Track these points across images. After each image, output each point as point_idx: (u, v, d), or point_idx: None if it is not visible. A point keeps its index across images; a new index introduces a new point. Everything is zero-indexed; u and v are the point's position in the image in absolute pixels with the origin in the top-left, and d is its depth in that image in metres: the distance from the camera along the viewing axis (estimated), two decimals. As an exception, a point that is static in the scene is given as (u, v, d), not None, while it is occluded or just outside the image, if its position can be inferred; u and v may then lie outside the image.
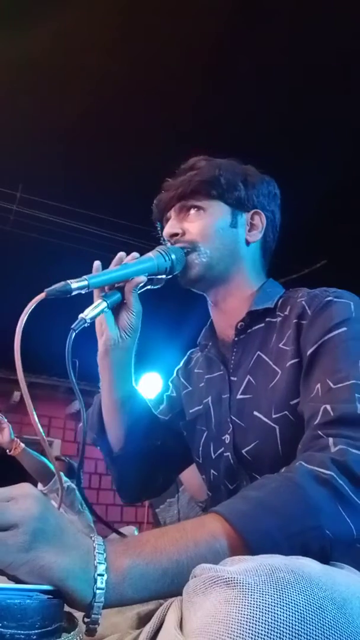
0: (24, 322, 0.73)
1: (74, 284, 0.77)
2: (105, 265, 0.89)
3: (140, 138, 4.18)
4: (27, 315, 0.73)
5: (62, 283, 0.76)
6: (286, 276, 4.90)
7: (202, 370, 1.05)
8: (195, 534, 0.57)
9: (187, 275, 0.94)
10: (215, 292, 0.99)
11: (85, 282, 0.78)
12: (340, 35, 3.49)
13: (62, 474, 2.69)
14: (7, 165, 4.20)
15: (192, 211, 0.97)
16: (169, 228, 0.97)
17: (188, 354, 1.16)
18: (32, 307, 0.73)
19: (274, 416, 0.83)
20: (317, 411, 0.71)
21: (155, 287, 0.93)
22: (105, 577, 0.51)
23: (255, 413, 0.86)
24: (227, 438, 0.91)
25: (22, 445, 2.49)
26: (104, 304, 0.84)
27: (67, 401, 6.72)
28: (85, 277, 0.80)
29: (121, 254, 0.91)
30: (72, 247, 4.86)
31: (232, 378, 0.94)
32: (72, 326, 0.78)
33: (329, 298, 0.85)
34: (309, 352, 0.80)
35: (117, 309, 0.90)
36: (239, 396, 0.91)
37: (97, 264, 0.87)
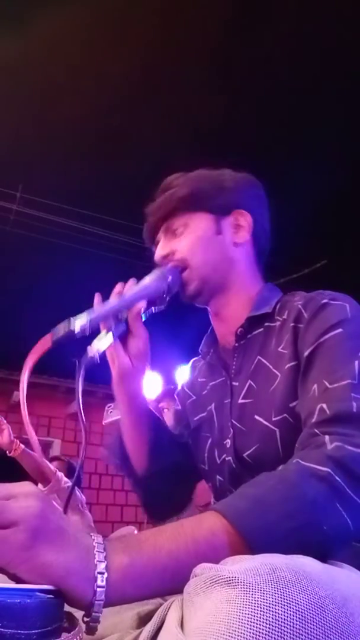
0: (30, 368, 0.77)
1: (77, 326, 0.79)
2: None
3: (140, 138, 4.18)
4: (33, 362, 0.77)
5: (67, 329, 0.79)
6: (286, 276, 4.91)
7: (205, 378, 1.06)
8: (194, 531, 0.57)
9: (186, 292, 0.96)
10: (215, 302, 0.99)
11: (86, 322, 0.80)
12: (341, 35, 3.50)
13: (62, 474, 2.70)
14: (7, 165, 4.21)
15: (178, 229, 0.98)
16: (158, 251, 0.99)
17: (191, 362, 1.17)
18: (39, 356, 0.77)
19: (274, 419, 0.83)
20: (314, 410, 0.72)
21: (159, 308, 0.95)
22: (105, 575, 0.51)
23: (256, 417, 0.86)
24: (228, 442, 0.91)
25: (22, 446, 2.49)
26: (111, 338, 0.86)
27: (67, 401, 6.72)
28: (85, 314, 0.82)
29: (119, 285, 0.92)
30: (72, 247, 4.87)
31: (233, 383, 0.94)
32: (82, 362, 0.80)
33: (325, 300, 0.85)
34: (305, 354, 0.80)
35: (125, 337, 0.92)
36: (240, 401, 0.91)
37: (97, 298, 0.89)
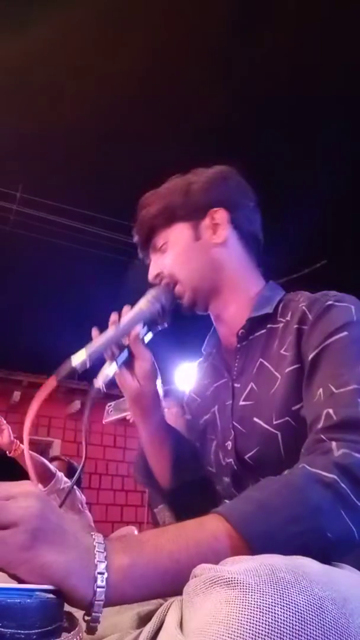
0: (35, 409, 0.84)
1: (77, 362, 0.84)
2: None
3: (140, 138, 4.18)
4: (39, 403, 0.83)
5: (68, 369, 0.84)
6: (287, 276, 4.90)
7: (208, 380, 1.06)
8: (196, 533, 0.57)
9: (182, 306, 0.97)
10: (214, 307, 0.99)
11: (85, 357, 0.84)
12: (342, 35, 3.49)
13: (62, 474, 2.70)
14: (7, 165, 4.20)
15: (162, 246, 0.99)
16: (150, 272, 1.00)
17: (197, 364, 1.17)
18: (43, 396, 0.82)
19: (275, 422, 0.83)
20: (320, 415, 0.71)
21: (162, 325, 0.97)
22: (105, 576, 0.51)
23: (255, 419, 0.86)
24: (229, 444, 0.91)
25: (22, 446, 2.49)
26: (115, 367, 0.89)
27: (67, 401, 6.72)
28: (84, 350, 0.85)
29: (114, 314, 0.93)
30: (72, 247, 4.86)
31: (235, 385, 0.94)
32: (90, 396, 0.85)
33: (330, 302, 0.84)
34: (310, 357, 0.79)
35: (130, 362, 0.93)
36: (241, 403, 0.91)
37: (94, 332, 0.90)
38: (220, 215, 0.97)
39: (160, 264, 0.98)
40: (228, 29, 3.55)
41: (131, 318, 0.91)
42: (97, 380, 0.86)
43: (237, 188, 1.01)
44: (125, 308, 0.93)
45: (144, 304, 0.93)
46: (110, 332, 0.90)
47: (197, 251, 0.96)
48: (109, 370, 0.88)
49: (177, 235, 0.97)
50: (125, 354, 0.91)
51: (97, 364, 0.88)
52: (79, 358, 0.84)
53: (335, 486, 0.60)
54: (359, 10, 3.26)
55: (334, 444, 0.66)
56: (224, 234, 0.97)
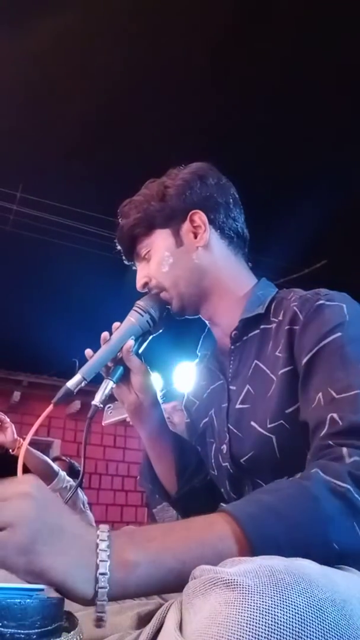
0: (32, 434, 0.87)
1: (73, 384, 0.86)
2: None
3: (141, 138, 4.18)
4: (36, 428, 0.86)
5: (63, 389, 0.86)
6: (287, 276, 4.90)
7: (205, 382, 1.06)
8: (204, 533, 0.57)
9: (172, 312, 0.97)
10: (204, 311, 0.98)
11: (80, 377, 0.86)
12: (342, 36, 3.50)
13: (64, 473, 2.70)
14: (7, 165, 4.21)
15: (146, 254, 0.98)
16: (137, 281, 1.00)
17: (195, 365, 1.16)
18: (41, 420, 0.85)
19: (269, 426, 0.82)
20: (324, 420, 0.70)
21: (156, 333, 0.97)
22: (107, 576, 0.51)
23: (252, 423, 0.85)
24: (224, 448, 0.91)
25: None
26: (111, 383, 0.90)
27: (67, 401, 6.72)
28: (79, 372, 0.87)
29: (105, 333, 0.93)
30: (72, 247, 4.87)
31: (230, 387, 0.94)
32: (88, 415, 0.87)
33: (320, 302, 0.82)
34: (304, 361, 0.78)
35: (126, 375, 0.93)
36: (237, 406, 0.90)
37: (88, 352, 0.91)
38: (199, 217, 0.95)
39: (146, 273, 0.98)
40: (228, 28, 3.55)
41: (122, 333, 0.92)
42: (95, 399, 0.87)
43: (215, 186, 0.97)
44: (115, 325, 0.93)
45: (133, 316, 0.93)
46: (103, 350, 0.90)
47: (180, 257, 0.95)
48: (106, 387, 0.89)
49: (159, 243, 0.96)
50: (120, 369, 0.92)
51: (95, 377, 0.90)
52: (75, 381, 0.86)
53: (348, 497, 0.59)
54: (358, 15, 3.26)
55: (344, 450, 0.64)
56: (205, 236, 0.94)
